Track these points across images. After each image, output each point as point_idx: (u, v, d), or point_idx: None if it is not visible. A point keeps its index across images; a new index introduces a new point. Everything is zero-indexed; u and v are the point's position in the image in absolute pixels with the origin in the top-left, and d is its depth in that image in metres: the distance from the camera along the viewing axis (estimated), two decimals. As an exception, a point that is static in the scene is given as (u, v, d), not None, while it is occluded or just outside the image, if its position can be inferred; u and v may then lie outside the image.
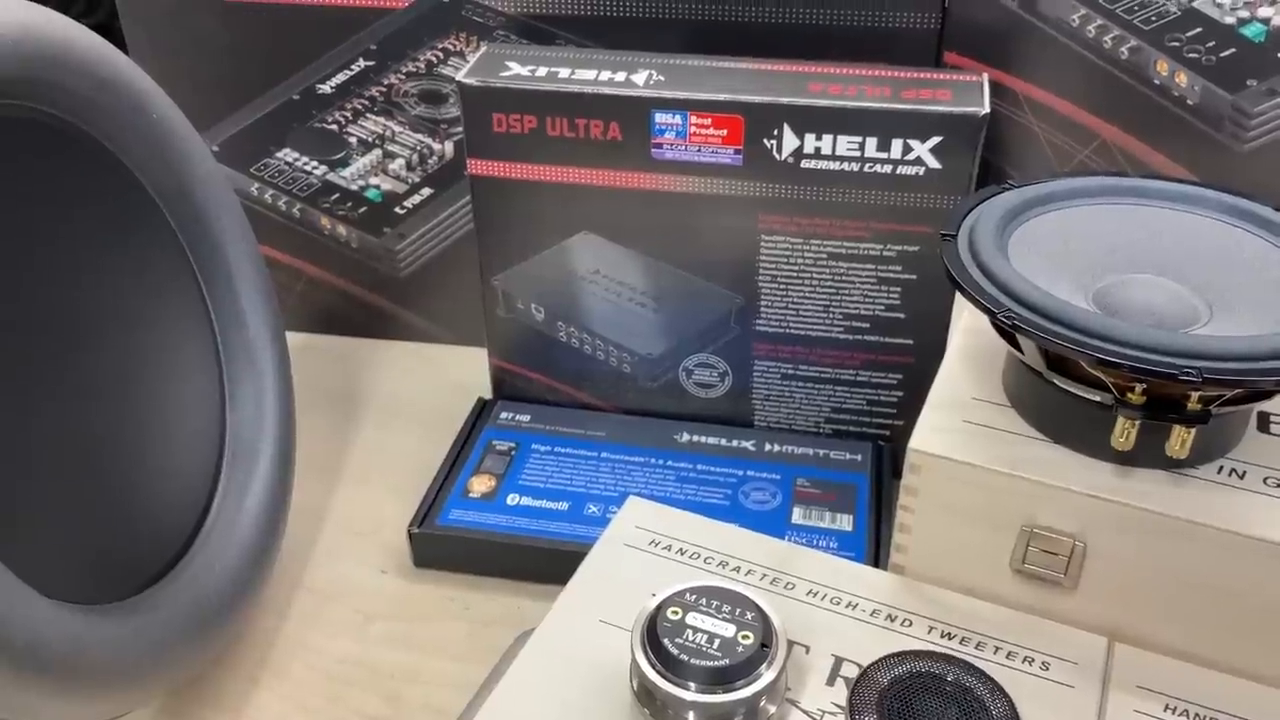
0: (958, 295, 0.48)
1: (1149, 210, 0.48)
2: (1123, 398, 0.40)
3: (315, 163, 0.72)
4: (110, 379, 0.51)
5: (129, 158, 0.52)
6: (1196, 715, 0.41)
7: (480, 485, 0.60)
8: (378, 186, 0.72)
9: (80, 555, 0.47)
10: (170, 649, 0.47)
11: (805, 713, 0.41)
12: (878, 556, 0.56)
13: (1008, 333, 0.42)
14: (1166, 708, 0.42)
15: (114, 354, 0.51)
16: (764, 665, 0.39)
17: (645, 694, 0.40)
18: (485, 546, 0.57)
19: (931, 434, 0.45)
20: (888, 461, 0.62)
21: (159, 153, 0.53)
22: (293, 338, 0.62)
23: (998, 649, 0.44)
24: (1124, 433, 0.41)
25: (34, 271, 0.47)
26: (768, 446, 0.63)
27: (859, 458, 0.62)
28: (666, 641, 0.39)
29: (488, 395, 0.69)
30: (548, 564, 0.56)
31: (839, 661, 0.44)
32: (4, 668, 0.38)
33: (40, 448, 0.46)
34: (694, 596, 0.41)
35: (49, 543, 0.45)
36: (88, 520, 0.48)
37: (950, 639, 0.45)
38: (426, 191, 0.72)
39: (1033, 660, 0.43)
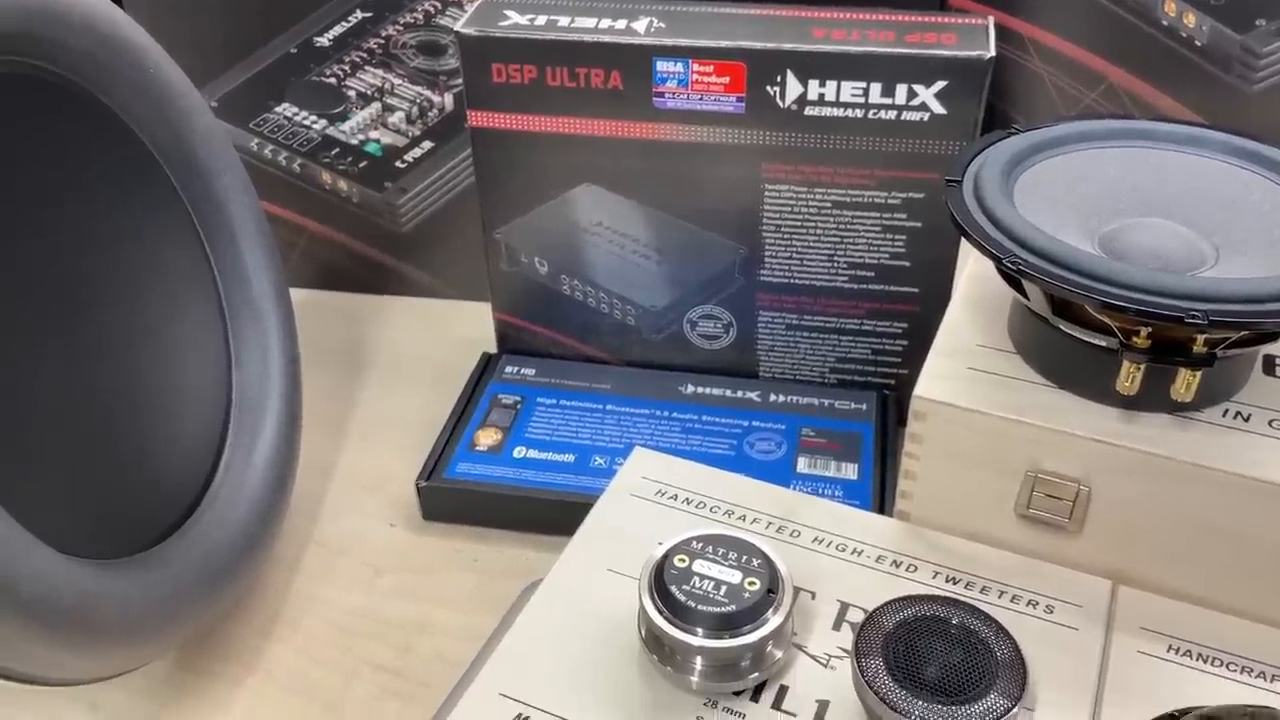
0: (963, 242, 0.47)
1: (1156, 153, 0.48)
2: (1128, 342, 0.40)
3: (314, 117, 0.71)
4: (116, 338, 0.51)
5: (129, 115, 0.52)
6: (1199, 655, 0.42)
7: (486, 439, 0.60)
8: (378, 140, 0.72)
9: (90, 512, 0.47)
10: (181, 603, 0.48)
11: (812, 657, 0.42)
12: (883, 504, 0.56)
13: (1013, 278, 0.42)
14: (1169, 648, 0.42)
15: (119, 313, 0.51)
16: (770, 610, 0.40)
17: (653, 640, 0.41)
18: (492, 499, 0.58)
19: (936, 381, 0.45)
20: (893, 410, 0.62)
21: (158, 109, 0.53)
22: (295, 294, 0.62)
23: (1002, 593, 0.44)
24: (1129, 377, 0.41)
25: (37, 231, 0.47)
26: (772, 397, 0.63)
27: (864, 407, 0.62)
28: (674, 589, 0.40)
29: (492, 349, 0.69)
30: (554, 515, 0.56)
31: (844, 607, 0.44)
32: (14, 619, 0.38)
33: (47, 406, 0.46)
34: (700, 544, 0.42)
35: (59, 499, 0.45)
36: (97, 477, 0.48)
37: (955, 583, 0.45)
38: (427, 145, 0.71)
39: (1037, 603, 0.44)
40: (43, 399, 0.46)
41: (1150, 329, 0.39)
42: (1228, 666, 0.41)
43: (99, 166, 0.51)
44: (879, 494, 0.56)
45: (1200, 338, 0.39)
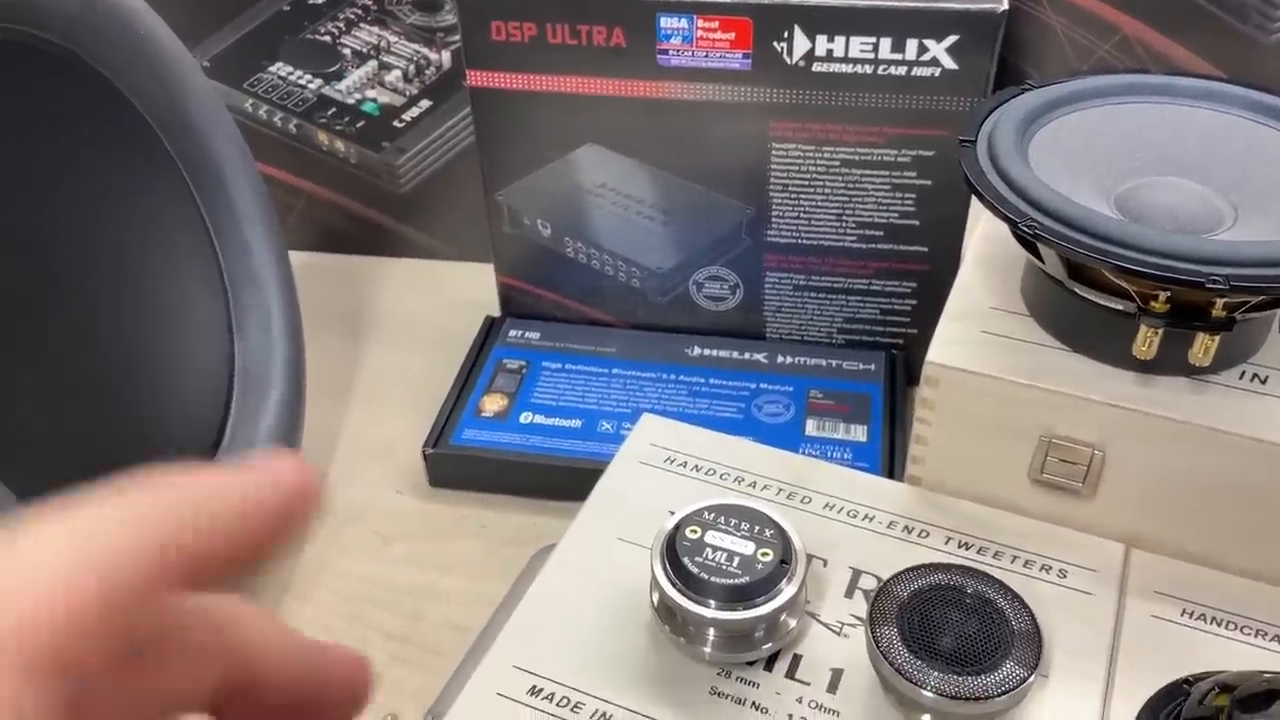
0: (974, 200, 0.46)
1: (1173, 109, 0.47)
2: (1145, 306, 0.40)
3: (309, 76, 0.70)
4: (114, 310, 0.50)
5: (121, 80, 0.51)
6: (1214, 619, 0.42)
7: (492, 404, 0.60)
8: (375, 99, 0.70)
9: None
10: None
11: (825, 625, 0.42)
12: (892, 466, 0.56)
13: (1028, 242, 0.41)
14: (1184, 612, 0.42)
15: (116, 284, 0.50)
16: (784, 581, 0.39)
17: (666, 611, 0.41)
18: (500, 466, 0.57)
19: (949, 346, 0.45)
20: (901, 370, 0.62)
21: (150, 72, 0.52)
22: (294, 256, 0.61)
23: (1015, 558, 0.44)
24: (1146, 341, 0.40)
25: (31, 203, 0.46)
26: (780, 358, 0.62)
27: (872, 367, 0.62)
28: (686, 560, 0.39)
29: (495, 312, 0.68)
30: (563, 481, 0.56)
31: (857, 574, 0.44)
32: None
33: (45, 385, 0.45)
34: (712, 515, 0.41)
35: (59, 482, 0.45)
36: (99, 456, 0.47)
37: (968, 549, 0.45)
38: (425, 104, 0.70)
39: (1050, 568, 0.44)
40: (39, 377, 0.45)
41: (1169, 293, 0.39)
42: (1242, 630, 0.41)
43: (93, 135, 0.50)
44: (888, 456, 0.56)
45: (1220, 302, 0.38)
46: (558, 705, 0.40)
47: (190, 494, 0.20)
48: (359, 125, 0.71)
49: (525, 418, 0.59)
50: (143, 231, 0.52)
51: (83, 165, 0.49)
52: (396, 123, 0.71)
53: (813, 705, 0.39)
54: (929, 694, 0.37)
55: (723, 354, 0.63)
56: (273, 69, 0.70)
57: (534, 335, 0.65)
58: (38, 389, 0.45)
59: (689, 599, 0.39)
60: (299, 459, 0.21)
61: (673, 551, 0.40)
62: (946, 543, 0.45)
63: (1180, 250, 0.37)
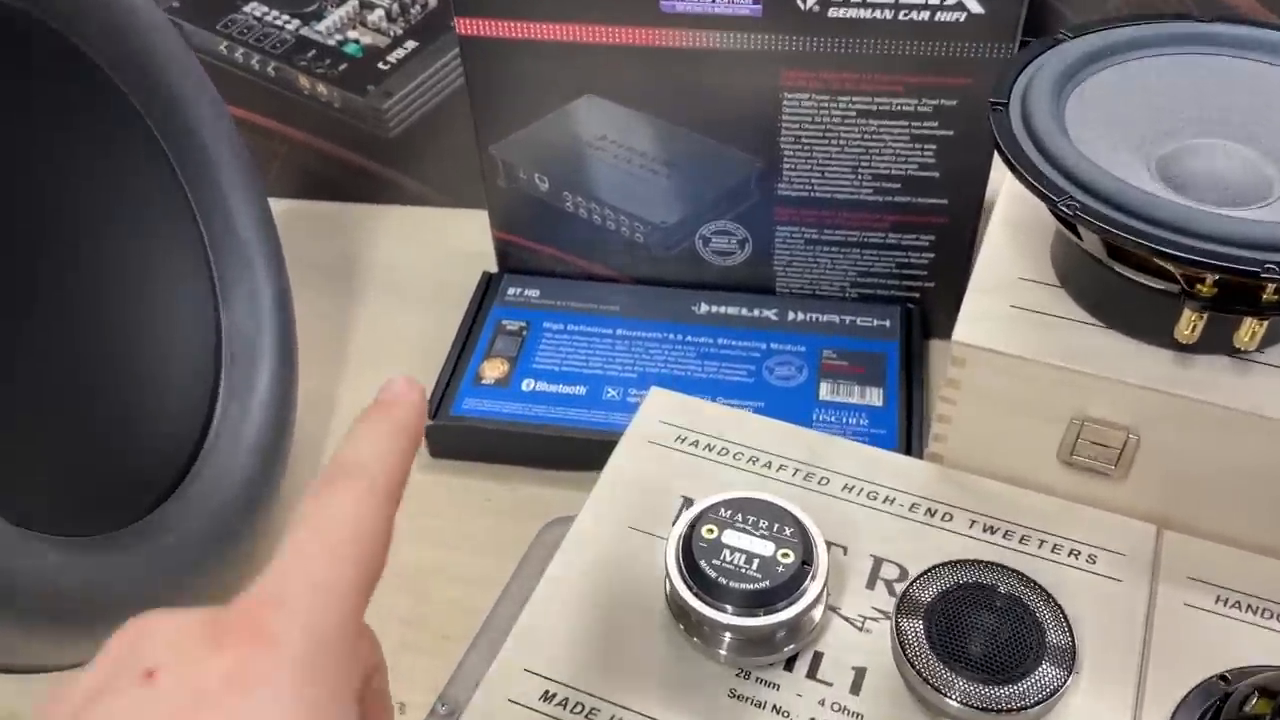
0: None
1: (1218, 60, 0.43)
2: (1191, 290, 0.37)
3: (286, 16, 0.66)
4: (92, 288, 0.47)
5: (89, 45, 0.47)
6: (1249, 607, 0.40)
7: (493, 371, 0.58)
8: (357, 40, 0.66)
9: (82, 481, 0.45)
10: (187, 569, 0.46)
11: (846, 620, 0.40)
12: (909, 432, 0.54)
13: (1068, 222, 0.38)
14: (1218, 599, 0.40)
15: (93, 259, 0.48)
16: (806, 582, 0.38)
17: (680, 611, 0.39)
18: (503, 437, 0.55)
19: (977, 324, 0.42)
20: (918, 325, 0.59)
21: (119, 34, 0.48)
22: (278, 205, 0.58)
23: (1042, 542, 0.43)
24: (1190, 325, 0.38)
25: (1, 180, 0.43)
26: (791, 315, 0.60)
27: (887, 323, 0.59)
28: (703, 564, 0.38)
29: (490, 262, 0.65)
30: (569, 452, 0.54)
31: (878, 562, 0.42)
32: (15, 623, 0.36)
33: (24, 370, 0.43)
34: (729, 511, 0.39)
35: (46, 473, 0.43)
36: (86, 443, 0.45)
37: (992, 533, 0.43)
38: (411, 45, 0.66)
39: (1079, 553, 0.42)
40: (17, 361, 0.43)
41: (1217, 277, 0.36)
42: (1278, 619, 0.40)
43: (57, 102, 0.46)
44: (905, 422, 0.54)
45: (1271, 287, 0.36)
46: (571, 712, 0.38)
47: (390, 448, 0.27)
48: (341, 68, 0.67)
49: (528, 385, 0.57)
50: (116, 202, 0.49)
51: (48, 136, 0.45)
52: (381, 65, 0.67)
53: (835, 708, 0.38)
54: (955, 703, 0.35)
55: (731, 311, 0.60)
56: (247, 9, 0.65)
57: (533, 293, 0.62)
58: (13, 379, 0.42)
59: (706, 604, 0.37)
60: (412, 382, 0.29)
61: (689, 553, 0.38)
62: (970, 526, 0.43)
63: (1232, 235, 0.35)
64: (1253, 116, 0.42)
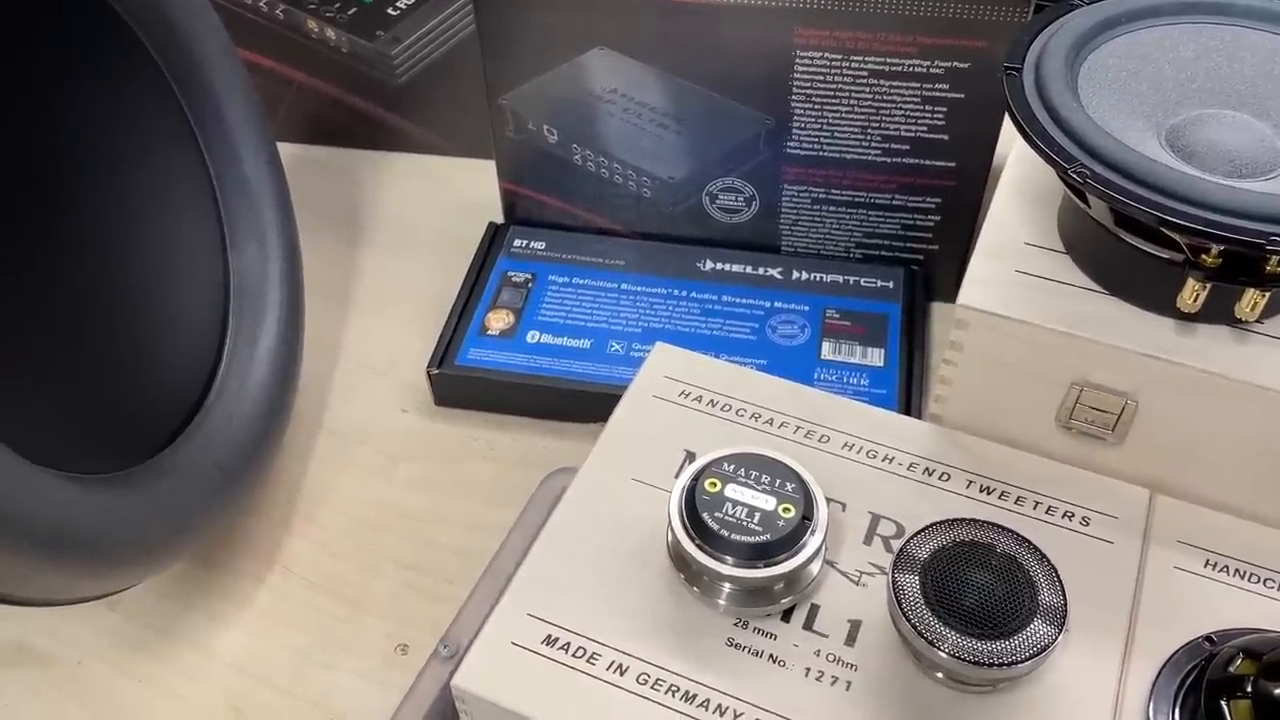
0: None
1: (1231, 31, 0.43)
2: (1195, 259, 0.38)
3: (296, -42, 0.65)
4: (100, 228, 0.47)
5: (92, -21, 0.47)
6: (1237, 571, 0.41)
7: (498, 321, 0.58)
8: (367, -15, 0.66)
9: (91, 420, 0.45)
10: (195, 509, 0.47)
11: (843, 574, 0.41)
12: (909, 392, 0.54)
13: (1077, 189, 0.39)
14: (1207, 563, 0.41)
15: (101, 200, 0.48)
16: (805, 537, 0.39)
17: (681, 561, 0.40)
18: (507, 387, 0.56)
19: (982, 287, 0.43)
20: (920, 287, 0.60)
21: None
22: (285, 149, 0.58)
23: (1037, 504, 0.43)
24: (1193, 294, 0.38)
25: (4, 118, 0.43)
26: (795, 274, 0.60)
27: (890, 284, 0.60)
28: (706, 516, 0.38)
29: (496, 211, 0.65)
30: (573, 404, 0.55)
31: (876, 519, 0.43)
32: (26, 554, 0.37)
33: (32, 310, 0.43)
34: (732, 466, 0.40)
35: (56, 411, 0.43)
36: (94, 383, 0.46)
37: (989, 493, 0.44)
38: (421, -10, 0.65)
39: (1073, 515, 0.43)
40: (26, 302, 0.43)
41: (1222, 248, 0.37)
42: (1265, 584, 0.41)
43: (68, 39, 0.46)
44: (905, 382, 0.55)
45: (1275, 259, 0.36)
46: (574, 655, 0.39)
47: None
48: (350, 12, 0.67)
49: (532, 336, 0.57)
50: (123, 142, 0.49)
51: (56, 73, 0.45)
52: (391, 10, 0.66)
53: (831, 658, 0.39)
54: (947, 656, 0.36)
55: (736, 269, 0.61)
56: (256, -50, 0.65)
57: (539, 245, 0.62)
58: (21, 319, 0.43)
59: (709, 555, 0.38)
60: None
61: (692, 505, 0.39)
62: (967, 487, 0.44)
63: (1239, 206, 0.35)
64: (1266, 88, 0.42)
